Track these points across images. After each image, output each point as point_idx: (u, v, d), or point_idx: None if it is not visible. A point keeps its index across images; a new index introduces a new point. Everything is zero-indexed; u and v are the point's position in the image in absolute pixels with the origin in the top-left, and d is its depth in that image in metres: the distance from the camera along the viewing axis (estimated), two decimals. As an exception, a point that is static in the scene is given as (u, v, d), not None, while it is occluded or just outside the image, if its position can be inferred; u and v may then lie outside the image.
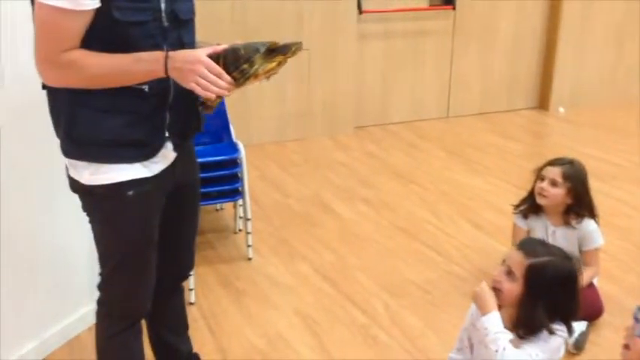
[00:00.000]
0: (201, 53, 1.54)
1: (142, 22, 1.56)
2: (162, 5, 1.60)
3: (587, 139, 4.84)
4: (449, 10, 5.10)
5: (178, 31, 1.66)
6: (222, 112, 3.23)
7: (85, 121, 1.61)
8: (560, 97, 5.57)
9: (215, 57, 1.55)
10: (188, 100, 1.68)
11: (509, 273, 1.86)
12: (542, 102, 5.64)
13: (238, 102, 4.25)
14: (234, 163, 3.01)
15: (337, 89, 4.84)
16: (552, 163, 2.66)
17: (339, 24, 4.68)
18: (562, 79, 5.54)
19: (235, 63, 1.55)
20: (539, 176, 2.65)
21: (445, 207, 3.72)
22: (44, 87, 1.64)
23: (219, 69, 1.53)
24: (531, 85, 5.62)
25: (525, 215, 2.73)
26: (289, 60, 1.66)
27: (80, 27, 1.51)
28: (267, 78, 1.63)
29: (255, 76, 1.59)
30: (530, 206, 2.70)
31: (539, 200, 2.63)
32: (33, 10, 1.53)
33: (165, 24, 1.61)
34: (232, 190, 3.03)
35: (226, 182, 3.00)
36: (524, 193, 2.82)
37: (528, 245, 1.93)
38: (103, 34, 1.54)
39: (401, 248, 3.27)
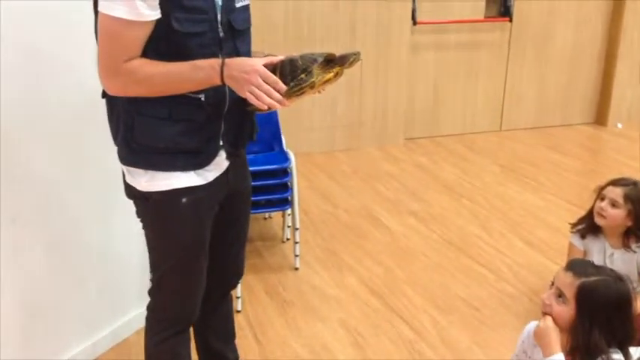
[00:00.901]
0: (257, 62, 1.55)
1: (199, 32, 1.58)
2: (219, 16, 1.61)
3: (647, 157, 4.68)
4: (505, 22, 5.02)
5: (234, 41, 1.67)
6: (273, 121, 3.25)
7: (142, 129, 1.63)
8: (618, 112, 5.42)
9: (271, 68, 1.55)
10: (243, 109, 1.68)
11: (560, 295, 1.79)
12: (600, 117, 5.49)
13: (289, 111, 4.25)
14: (285, 173, 3.02)
15: (388, 100, 4.81)
16: (614, 182, 2.56)
17: (392, 35, 4.66)
18: (621, 94, 5.38)
19: (292, 73, 1.55)
20: (599, 195, 2.56)
21: (497, 223, 3.64)
22: (104, 95, 1.67)
23: (274, 78, 1.53)
24: (588, 99, 5.48)
25: (583, 235, 2.63)
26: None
27: (141, 37, 1.54)
28: (323, 89, 1.62)
29: (312, 86, 1.57)
30: (588, 226, 2.60)
31: (598, 220, 2.54)
32: (96, 20, 1.57)
33: (221, 34, 1.63)
34: (282, 199, 3.04)
35: (276, 191, 3.00)
36: (579, 211, 2.73)
37: (577, 265, 1.84)
38: (161, 43, 1.56)
39: (450, 263, 3.21)
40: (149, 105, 1.61)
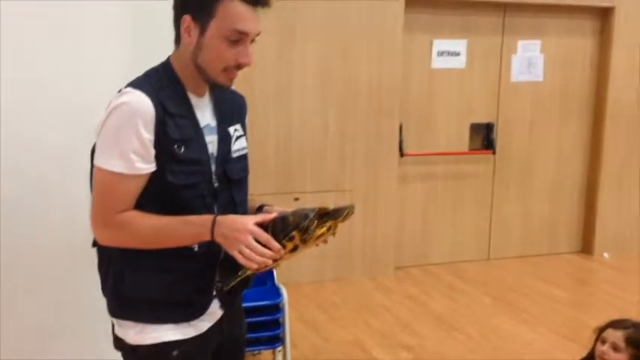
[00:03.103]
0: (249, 221, 1.52)
1: (192, 184, 1.59)
2: (213, 167, 1.63)
3: (635, 286, 4.68)
4: (489, 155, 5.18)
5: (230, 191, 1.68)
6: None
7: (132, 280, 1.61)
8: (603, 241, 5.47)
9: (264, 226, 1.53)
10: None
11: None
12: (586, 246, 5.54)
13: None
14: (277, 309, 2.97)
15: (377, 229, 4.84)
16: (614, 325, 2.52)
17: (380, 166, 4.78)
18: (605, 224, 5.46)
19: (284, 231, 1.51)
20: (599, 338, 2.52)
21: (493, 359, 3.55)
22: (94, 244, 1.65)
23: (267, 236, 1.50)
24: (573, 228, 5.55)
25: (585, 377, 2.57)
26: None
27: (135, 190, 1.55)
28: (319, 244, 1.61)
29: (305, 242, 1.54)
30: (589, 368, 2.55)
31: (599, 365, 2.49)
32: (91, 172, 1.58)
33: (216, 184, 1.64)
34: (273, 337, 2.96)
35: (267, 328, 2.93)
36: (574, 346, 2.69)
37: None
38: (155, 194, 1.56)
39: (445, 404, 3.10)
40: (140, 255, 1.58)
